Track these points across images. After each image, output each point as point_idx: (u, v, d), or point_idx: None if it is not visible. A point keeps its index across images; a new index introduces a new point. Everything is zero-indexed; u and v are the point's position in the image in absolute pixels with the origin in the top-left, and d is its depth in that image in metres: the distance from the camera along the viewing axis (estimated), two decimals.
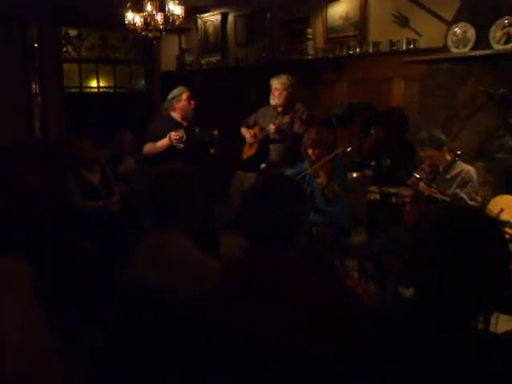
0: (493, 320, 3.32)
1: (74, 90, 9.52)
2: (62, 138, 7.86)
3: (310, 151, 4.74)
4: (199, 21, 9.16)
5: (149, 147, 5.18)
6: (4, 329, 1.54)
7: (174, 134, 4.96)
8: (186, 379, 1.98)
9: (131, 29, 6.11)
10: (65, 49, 9.19)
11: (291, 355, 1.69)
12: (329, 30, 7.08)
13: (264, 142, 5.58)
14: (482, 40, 5.21)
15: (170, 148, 5.01)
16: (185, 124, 5.23)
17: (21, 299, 1.71)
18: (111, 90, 10.06)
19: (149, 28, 6.04)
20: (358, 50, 6.64)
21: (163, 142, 5.03)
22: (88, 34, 9.49)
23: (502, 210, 4.23)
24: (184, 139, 4.98)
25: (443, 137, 4.54)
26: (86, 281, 4.02)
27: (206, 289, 2.01)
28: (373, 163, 5.91)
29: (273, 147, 5.54)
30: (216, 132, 5.32)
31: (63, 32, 9.08)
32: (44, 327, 1.76)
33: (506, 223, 3.59)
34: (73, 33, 9.32)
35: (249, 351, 1.78)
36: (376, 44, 6.46)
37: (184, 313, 2.07)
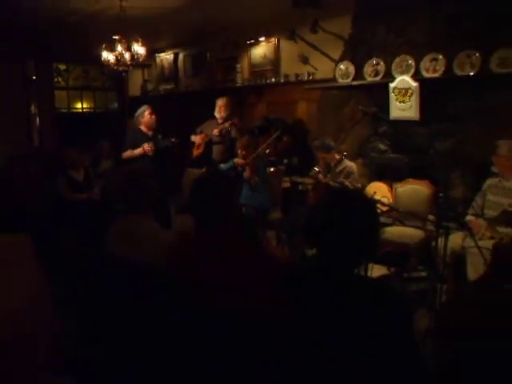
0: (369, 268, 3.43)
1: (63, 111, 9.32)
2: (54, 147, 7.64)
3: (239, 151, 4.77)
4: (157, 58, 8.97)
5: (128, 154, 5.08)
6: (12, 295, 1.46)
7: (146, 146, 4.96)
8: (149, 332, 1.93)
9: (106, 64, 5.94)
10: (56, 79, 9.04)
11: (232, 308, 1.68)
12: (252, 65, 7.06)
13: (208, 144, 5.55)
14: (359, 74, 5.29)
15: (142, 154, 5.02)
16: (150, 133, 5.16)
17: (26, 269, 1.61)
18: (92, 111, 9.89)
19: (119, 64, 5.89)
20: (273, 80, 6.63)
21: (139, 151, 4.99)
22: (74, 68, 9.33)
23: (374, 193, 4.36)
24: (153, 149, 4.97)
25: (332, 143, 4.66)
26: (74, 253, 3.90)
27: (164, 255, 1.98)
28: (285, 161, 5.95)
29: (215, 148, 5.53)
30: (173, 139, 5.28)
31: (55, 66, 8.92)
32: (47, 292, 1.67)
33: (377, 201, 3.70)
34: (62, 67, 9.16)
35: (197, 304, 1.76)
36: (286, 76, 6.47)
37: (148, 275, 2.02)
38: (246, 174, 4.67)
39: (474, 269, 3.47)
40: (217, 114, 5.51)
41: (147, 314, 1.96)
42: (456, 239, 3.70)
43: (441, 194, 4.19)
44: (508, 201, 3.57)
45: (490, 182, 3.84)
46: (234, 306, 1.68)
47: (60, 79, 9.14)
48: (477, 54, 4.33)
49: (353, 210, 1.45)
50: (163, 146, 5.16)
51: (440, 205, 4.08)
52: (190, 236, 2.05)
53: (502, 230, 3.64)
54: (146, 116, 5.12)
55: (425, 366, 1.38)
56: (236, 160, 4.77)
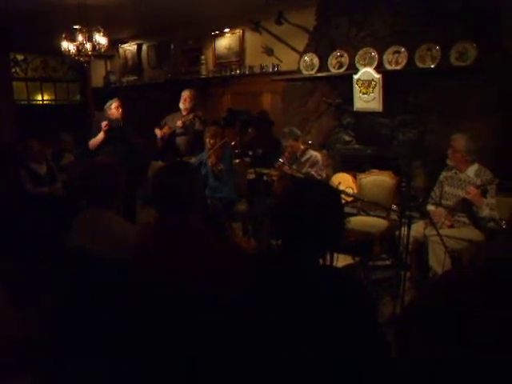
0: (334, 258, 3.43)
1: (23, 103, 8.95)
2: (14, 140, 7.33)
3: (207, 141, 4.74)
4: (120, 49, 8.76)
5: (92, 142, 5.18)
6: None
7: (104, 124, 5.07)
8: (114, 323, 1.87)
9: (67, 54, 5.74)
10: (14, 70, 8.60)
11: (197, 295, 1.64)
12: (217, 56, 6.97)
13: (172, 136, 5.50)
14: (323, 65, 5.31)
15: (106, 140, 5.09)
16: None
17: None
18: (53, 103, 9.55)
19: (80, 54, 5.70)
20: (238, 71, 6.58)
21: (100, 135, 5.10)
22: (32, 58, 8.94)
23: (339, 183, 4.37)
24: (108, 126, 5.06)
25: (298, 132, 4.65)
26: (37, 245, 3.81)
27: (127, 248, 1.91)
28: (250, 152, 5.92)
29: (179, 140, 5.48)
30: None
31: (12, 56, 8.45)
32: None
33: (342, 191, 3.71)
34: (20, 57, 8.76)
35: (161, 294, 1.71)
36: (251, 67, 6.42)
37: (111, 266, 1.96)
38: (211, 160, 4.64)
39: (435, 256, 3.55)
40: (181, 105, 5.50)
41: (112, 307, 1.90)
42: (418, 228, 3.76)
43: (403, 184, 4.24)
44: (464, 192, 3.65)
45: (445, 173, 3.90)
46: (198, 295, 1.64)
47: (18, 70, 8.77)
48: (437, 48, 4.39)
49: (317, 201, 1.43)
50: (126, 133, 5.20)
51: (403, 195, 4.13)
52: (152, 227, 1.99)
53: (460, 218, 3.72)
54: (112, 109, 5.23)
55: (388, 352, 1.37)
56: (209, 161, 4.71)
